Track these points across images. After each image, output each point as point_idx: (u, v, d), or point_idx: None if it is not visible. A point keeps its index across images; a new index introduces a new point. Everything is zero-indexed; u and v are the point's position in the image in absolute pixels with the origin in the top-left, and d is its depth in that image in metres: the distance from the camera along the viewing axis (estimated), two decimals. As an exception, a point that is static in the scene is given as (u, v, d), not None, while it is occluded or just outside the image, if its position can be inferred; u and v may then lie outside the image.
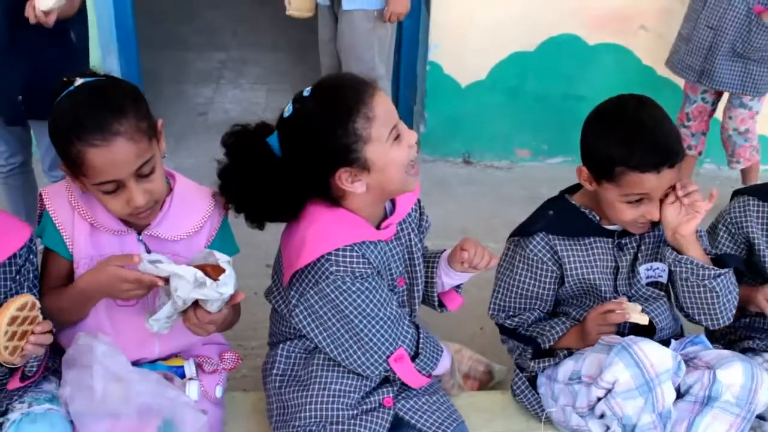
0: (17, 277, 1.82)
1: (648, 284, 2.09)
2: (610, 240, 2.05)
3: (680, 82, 3.74)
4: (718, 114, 3.73)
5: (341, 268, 1.78)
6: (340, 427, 1.87)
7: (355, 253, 1.79)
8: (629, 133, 1.88)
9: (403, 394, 1.96)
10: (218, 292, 1.70)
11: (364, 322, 1.83)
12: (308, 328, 1.86)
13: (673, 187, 1.94)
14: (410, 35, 4.04)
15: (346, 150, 1.72)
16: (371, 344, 1.85)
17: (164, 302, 1.77)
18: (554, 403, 2.05)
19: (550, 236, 2.04)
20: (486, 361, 2.44)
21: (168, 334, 1.83)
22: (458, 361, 2.33)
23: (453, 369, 2.20)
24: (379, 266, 1.86)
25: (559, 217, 2.06)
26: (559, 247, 2.03)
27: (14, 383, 1.81)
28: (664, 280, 2.10)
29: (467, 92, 4.06)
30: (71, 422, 1.81)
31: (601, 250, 2.05)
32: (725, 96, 3.62)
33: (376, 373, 1.89)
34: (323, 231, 1.79)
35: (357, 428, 1.88)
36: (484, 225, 3.65)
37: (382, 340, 1.86)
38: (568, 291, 2.09)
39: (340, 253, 1.78)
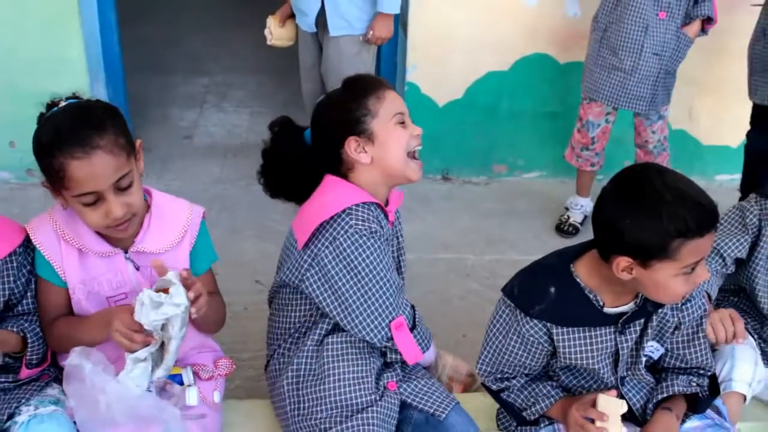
0: (18, 273, 1.93)
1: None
2: (612, 326, 1.94)
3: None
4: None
5: (359, 223, 1.97)
6: (363, 414, 1.99)
7: (371, 212, 2.00)
8: (675, 204, 1.74)
9: (403, 379, 2.11)
10: (174, 303, 1.79)
11: (373, 281, 1.98)
12: (318, 291, 2.00)
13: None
14: (388, 57, 4.14)
15: (356, 121, 2.03)
16: (376, 306, 2.00)
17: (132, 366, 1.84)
18: None
19: (549, 324, 1.93)
20: (467, 365, 2.48)
21: None
22: (441, 365, 2.44)
23: (437, 365, 2.33)
24: (385, 234, 2.05)
25: (561, 300, 1.91)
26: (555, 336, 1.94)
27: (24, 372, 1.94)
28: (655, 357, 2.07)
29: (445, 111, 4.16)
30: (74, 423, 1.89)
31: (601, 338, 1.94)
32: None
33: (379, 337, 2.02)
34: (344, 192, 2.03)
35: (375, 413, 1.99)
36: (463, 238, 3.76)
37: (386, 303, 2.01)
38: (561, 365, 2.03)
39: (360, 208, 1.99)
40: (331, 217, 1.97)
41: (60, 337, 1.96)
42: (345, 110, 2.05)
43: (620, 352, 1.97)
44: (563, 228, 3.86)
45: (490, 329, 2.06)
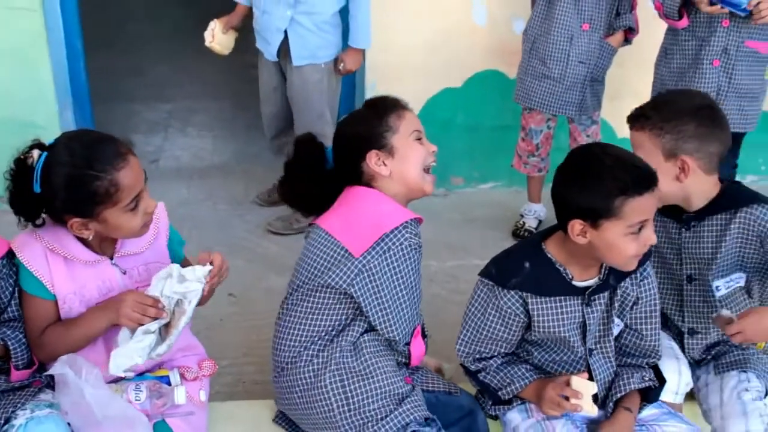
0: (5, 284, 2.01)
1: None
2: (579, 298, 2.12)
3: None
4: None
5: (412, 237, 2.12)
6: (410, 398, 2.14)
7: (417, 227, 2.16)
8: (615, 168, 1.96)
9: (411, 371, 2.29)
10: (198, 279, 1.96)
11: (412, 291, 2.16)
12: (365, 295, 2.12)
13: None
14: (348, 78, 4.27)
15: (378, 136, 2.20)
16: (410, 313, 2.18)
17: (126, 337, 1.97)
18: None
19: (524, 293, 2.11)
20: (435, 360, 2.63)
21: None
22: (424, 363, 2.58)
23: None
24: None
25: (535, 273, 2.10)
26: (530, 305, 2.11)
27: (15, 375, 2.02)
28: (615, 333, 2.22)
29: (403, 127, 4.31)
30: (69, 424, 1.99)
31: (571, 308, 2.12)
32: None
33: (405, 340, 2.20)
34: (395, 205, 2.17)
35: (418, 396, 2.16)
36: (425, 247, 3.76)
37: (413, 312, 2.19)
38: (535, 337, 2.18)
39: (412, 224, 2.13)
40: (391, 230, 2.10)
41: (52, 343, 2.04)
42: (368, 126, 2.22)
43: (587, 323, 2.14)
44: (519, 234, 4.04)
45: (468, 310, 2.22)
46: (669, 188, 2.22)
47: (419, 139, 2.25)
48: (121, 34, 6.97)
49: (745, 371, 2.33)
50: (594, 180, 1.98)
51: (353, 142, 2.23)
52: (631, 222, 1.96)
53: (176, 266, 1.99)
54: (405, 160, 2.21)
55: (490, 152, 4.46)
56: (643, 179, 1.97)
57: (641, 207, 1.96)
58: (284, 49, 3.68)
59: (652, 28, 3.69)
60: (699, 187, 2.26)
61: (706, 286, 2.33)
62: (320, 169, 2.27)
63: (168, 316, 1.98)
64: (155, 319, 1.96)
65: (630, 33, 3.73)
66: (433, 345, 2.94)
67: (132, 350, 1.94)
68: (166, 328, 1.99)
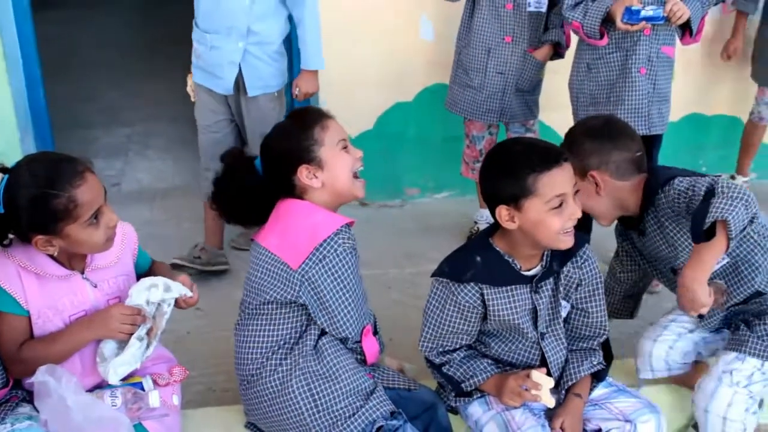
0: None
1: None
2: (528, 286, 2.25)
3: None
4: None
5: (346, 242, 2.21)
6: (375, 394, 2.26)
7: (351, 232, 2.25)
8: (522, 152, 2.15)
9: (371, 369, 2.39)
10: (179, 290, 2.16)
11: (354, 291, 2.24)
12: (310, 303, 2.22)
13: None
14: (302, 96, 4.43)
15: (306, 150, 2.27)
16: (355, 313, 2.26)
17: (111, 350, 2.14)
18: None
19: (480, 285, 2.23)
20: (397, 361, 2.71)
21: None
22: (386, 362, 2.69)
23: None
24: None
25: (486, 265, 2.22)
26: (486, 296, 2.23)
27: None
28: (563, 315, 2.35)
29: (357, 142, 4.13)
30: (48, 436, 2.06)
31: (521, 296, 2.24)
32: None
33: (355, 339, 2.30)
34: (326, 215, 2.25)
35: (380, 393, 2.27)
36: (384, 256, 4.02)
37: (359, 311, 2.28)
38: (491, 327, 2.31)
39: (345, 228, 2.23)
40: (324, 239, 2.20)
41: (34, 358, 2.09)
42: (294, 141, 2.28)
43: (537, 309, 2.28)
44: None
45: (427, 308, 2.34)
46: (596, 203, 2.45)
47: (345, 147, 2.32)
48: (71, 61, 6.99)
49: (743, 353, 2.37)
50: (507, 166, 2.15)
51: (282, 157, 2.29)
52: (548, 197, 2.10)
53: (162, 278, 2.16)
54: (334, 170, 2.28)
55: (442, 162, 4.58)
56: (549, 155, 2.13)
57: (553, 181, 2.11)
58: (236, 81, 3.70)
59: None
60: (622, 193, 2.46)
61: None
62: (250, 181, 2.34)
63: (150, 321, 2.15)
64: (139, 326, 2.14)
65: (559, 47, 3.88)
66: (394, 347, 3.06)
67: (130, 357, 2.12)
68: (148, 331, 2.17)
